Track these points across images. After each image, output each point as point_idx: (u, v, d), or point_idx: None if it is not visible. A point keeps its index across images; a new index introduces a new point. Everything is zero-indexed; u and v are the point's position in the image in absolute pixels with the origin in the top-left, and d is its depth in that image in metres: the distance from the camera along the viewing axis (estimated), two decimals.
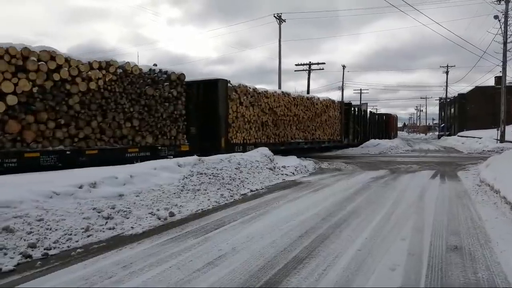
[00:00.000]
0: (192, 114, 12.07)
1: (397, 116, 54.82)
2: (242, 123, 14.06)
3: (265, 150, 12.20)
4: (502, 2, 26.22)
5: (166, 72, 11.11)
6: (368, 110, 39.26)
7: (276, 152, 13.64)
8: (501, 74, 27.96)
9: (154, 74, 10.72)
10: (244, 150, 13.21)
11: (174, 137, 11.24)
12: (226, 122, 13.19)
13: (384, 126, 39.20)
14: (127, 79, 9.94)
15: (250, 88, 14.56)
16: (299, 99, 18.11)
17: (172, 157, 10.33)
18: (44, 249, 4.25)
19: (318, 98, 20.31)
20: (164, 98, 10.92)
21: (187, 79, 12.03)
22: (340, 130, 22.83)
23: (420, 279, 3.46)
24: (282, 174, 11.03)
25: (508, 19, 26.17)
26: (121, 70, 9.79)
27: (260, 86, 16.16)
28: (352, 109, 25.93)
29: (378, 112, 52.12)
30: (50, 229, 4.68)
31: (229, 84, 13.34)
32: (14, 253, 4.05)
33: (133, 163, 9.32)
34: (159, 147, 10.75)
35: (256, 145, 14.27)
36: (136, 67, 10.18)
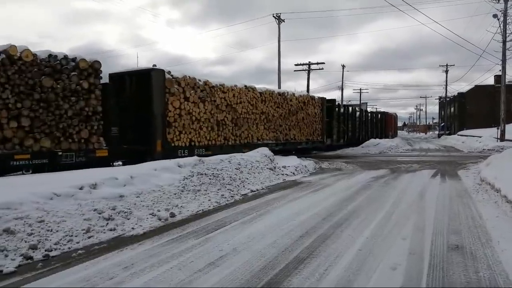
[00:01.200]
0: (114, 111, 9.97)
1: (396, 115, 53.72)
2: (188, 122, 11.80)
3: (265, 151, 12.19)
4: (501, 1, 26.20)
5: (74, 60, 9.09)
6: (367, 108, 38.70)
7: None
8: (500, 73, 27.96)
9: (55, 61, 8.75)
10: (191, 154, 11.35)
11: (86, 139, 9.16)
12: (164, 121, 11.05)
13: (380, 125, 36.97)
14: (13, 67, 8.00)
15: (199, 80, 12.36)
16: (267, 94, 15.85)
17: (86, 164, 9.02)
18: (45, 251, 4.25)
19: (293, 94, 18.05)
20: (70, 91, 8.86)
21: (119, 70, 11.04)
22: (321, 130, 20.52)
23: (422, 278, 3.46)
24: (282, 174, 11.03)
25: (507, 18, 26.17)
26: (3, 56, 7.87)
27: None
28: (337, 106, 23.80)
29: (377, 110, 51.30)
30: (51, 231, 4.67)
31: (168, 75, 11.21)
32: (15, 254, 4.05)
33: (23, 173, 8.18)
34: (61, 153, 8.67)
35: (208, 148, 12.52)
36: (27, 52, 8.16)
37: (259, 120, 15.33)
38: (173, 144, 11.39)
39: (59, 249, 4.37)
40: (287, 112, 17.36)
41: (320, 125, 20.48)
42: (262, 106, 15.53)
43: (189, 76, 12.03)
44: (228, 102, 13.61)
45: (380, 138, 31.80)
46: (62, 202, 5.41)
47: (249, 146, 13.91)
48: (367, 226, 5.27)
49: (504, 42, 26.46)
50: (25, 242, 4.31)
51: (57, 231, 4.71)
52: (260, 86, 15.84)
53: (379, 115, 38.53)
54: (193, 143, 12.05)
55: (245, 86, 14.74)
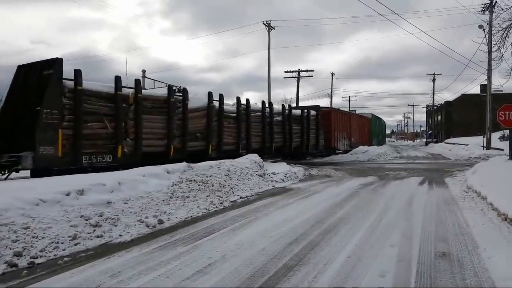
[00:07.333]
0: None
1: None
2: None
3: (254, 157, 12.19)
4: (487, 13, 26.78)
5: None
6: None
7: None
8: (486, 82, 28.48)
9: None
10: None
11: None
12: None
13: (303, 130, 20.58)
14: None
15: None
16: None
17: None
18: (31, 258, 4.17)
19: None
20: None
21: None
22: None
23: (409, 285, 3.48)
24: (272, 181, 11.02)
25: (493, 29, 26.71)
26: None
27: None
28: (71, 83, 9.27)
29: (301, 106, 27.82)
30: (37, 237, 4.59)
31: None
32: None
33: None
34: None
35: None
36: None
37: None
38: None
39: (45, 256, 4.30)
40: None
41: None
42: None
43: None
44: None
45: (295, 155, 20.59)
46: (48, 208, 5.32)
47: None
48: (355, 233, 5.29)
49: (490, 52, 26.89)
50: (10, 249, 4.22)
51: (42, 238, 4.63)
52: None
53: (306, 112, 21.03)
54: None
55: None
